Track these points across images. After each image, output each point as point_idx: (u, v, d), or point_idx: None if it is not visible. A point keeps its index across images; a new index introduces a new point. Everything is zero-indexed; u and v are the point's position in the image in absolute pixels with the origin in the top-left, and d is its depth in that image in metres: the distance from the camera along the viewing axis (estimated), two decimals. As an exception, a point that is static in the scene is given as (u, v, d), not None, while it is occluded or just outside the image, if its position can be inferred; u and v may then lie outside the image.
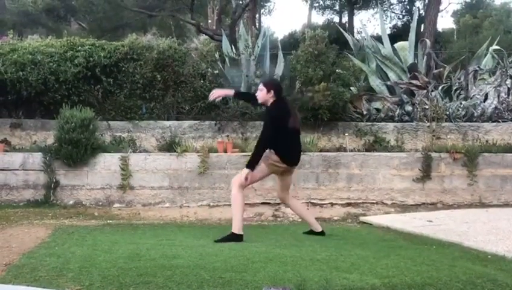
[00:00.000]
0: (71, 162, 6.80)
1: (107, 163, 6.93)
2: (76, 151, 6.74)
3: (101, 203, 6.80)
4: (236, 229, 4.44)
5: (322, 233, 4.92)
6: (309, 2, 21.77)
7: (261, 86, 4.68)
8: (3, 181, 6.83)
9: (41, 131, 7.71)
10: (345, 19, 21.09)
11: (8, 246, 4.03)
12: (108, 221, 5.83)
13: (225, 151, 7.14)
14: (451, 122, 7.80)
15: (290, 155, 4.65)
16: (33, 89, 7.46)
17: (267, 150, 4.57)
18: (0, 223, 5.38)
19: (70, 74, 7.53)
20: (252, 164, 4.48)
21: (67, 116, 6.83)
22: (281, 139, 4.52)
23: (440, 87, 8.23)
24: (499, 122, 7.88)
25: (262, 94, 4.63)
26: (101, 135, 7.43)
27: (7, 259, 3.55)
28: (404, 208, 6.79)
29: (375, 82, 8.62)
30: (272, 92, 4.60)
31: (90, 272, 3.10)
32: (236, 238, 4.40)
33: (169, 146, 7.30)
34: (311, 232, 4.96)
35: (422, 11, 15.75)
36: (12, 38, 8.54)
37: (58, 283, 2.90)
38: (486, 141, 7.55)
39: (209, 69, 8.31)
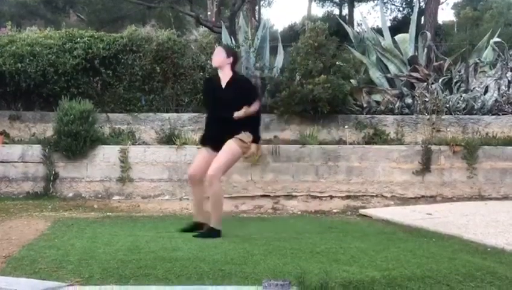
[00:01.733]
0: (70, 155, 6.79)
1: (106, 155, 6.91)
2: (75, 143, 6.72)
3: (100, 195, 6.80)
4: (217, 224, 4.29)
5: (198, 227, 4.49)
6: (309, -7, 21.65)
7: (221, 49, 4.55)
8: (2, 173, 6.82)
9: (40, 123, 7.68)
10: (345, 11, 20.99)
11: (8, 238, 4.03)
12: (107, 213, 5.83)
13: (225, 143, 7.12)
14: (451, 115, 7.77)
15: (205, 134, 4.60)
16: (32, 81, 7.42)
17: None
18: (-1, 215, 5.38)
19: (69, 65, 7.49)
20: None
21: (66, 108, 6.81)
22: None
23: (440, 80, 8.19)
24: (499, 115, 7.86)
25: (220, 58, 4.43)
26: (100, 127, 7.40)
27: (7, 251, 3.55)
28: (404, 200, 6.79)
29: (375, 74, 8.58)
30: (231, 58, 4.46)
31: (90, 264, 3.10)
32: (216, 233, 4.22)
33: (169, 138, 7.28)
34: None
35: (422, 4, 15.66)
36: (10, 29, 8.49)
37: (58, 275, 2.90)
38: (486, 134, 7.54)
39: (208, 61, 8.26)
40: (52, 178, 6.73)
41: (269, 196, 6.80)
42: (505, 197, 6.87)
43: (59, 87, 7.52)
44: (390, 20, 18.17)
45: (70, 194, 6.77)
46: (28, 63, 7.35)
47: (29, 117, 7.73)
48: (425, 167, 6.94)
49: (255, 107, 4.42)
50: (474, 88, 8.18)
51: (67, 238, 4.00)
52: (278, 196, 6.76)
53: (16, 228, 4.55)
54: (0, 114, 7.72)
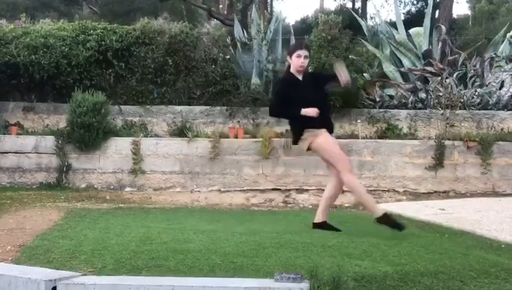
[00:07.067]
0: (83, 146, 6.84)
1: (118, 147, 6.95)
2: (88, 135, 6.78)
3: (112, 187, 6.85)
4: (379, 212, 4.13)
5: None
6: (322, -14, 21.47)
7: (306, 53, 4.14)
8: (17, 164, 6.90)
9: (54, 114, 7.75)
10: (358, 4, 20.77)
11: (22, 228, 4.07)
12: (119, 205, 5.87)
13: (236, 137, 7.13)
14: (466, 109, 7.68)
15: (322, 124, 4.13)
16: (45, 73, 7.48)
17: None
18: (14, 205, 5.44)
19: (82, 57, 7.53)
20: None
21: (79, 100, 6.86)
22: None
23: (455, 74, 8.09)
24: (514, 110, 7.75)
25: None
26: (113, 119, 7.45)
27: (21, 240, 3.59)
28: (416, 196, 6.74)
29: (389, 68, 8.50)
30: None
31: (103, 255, 3.12)
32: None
33: (181, 131, 7.30)
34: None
35: (437, -3, 15.43)
36: (24, 21, 8.56)
37: (71, 265, 2.92)
38: (501, 129, 7.44)
39: (220, 54, 8.26)
40: (65, 169, 6.80)
41: (280, 189, 6.79)
42: (520, 194, 6.78)
43: (72, 79, 7.57)
44: (404, 13, 17.93)
45: (83, 185, 6.82)
46: (41, 55, 7.41)
47: (43, 108, 7.80)
48: (439, 162, 6.87)
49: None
50: (489, 83, 8.06)
51: (80, 229, 4.03)
52: (289, 190, 6.76)
53: (29, 218, 4.59)
54: (15, 105, 7.80)
